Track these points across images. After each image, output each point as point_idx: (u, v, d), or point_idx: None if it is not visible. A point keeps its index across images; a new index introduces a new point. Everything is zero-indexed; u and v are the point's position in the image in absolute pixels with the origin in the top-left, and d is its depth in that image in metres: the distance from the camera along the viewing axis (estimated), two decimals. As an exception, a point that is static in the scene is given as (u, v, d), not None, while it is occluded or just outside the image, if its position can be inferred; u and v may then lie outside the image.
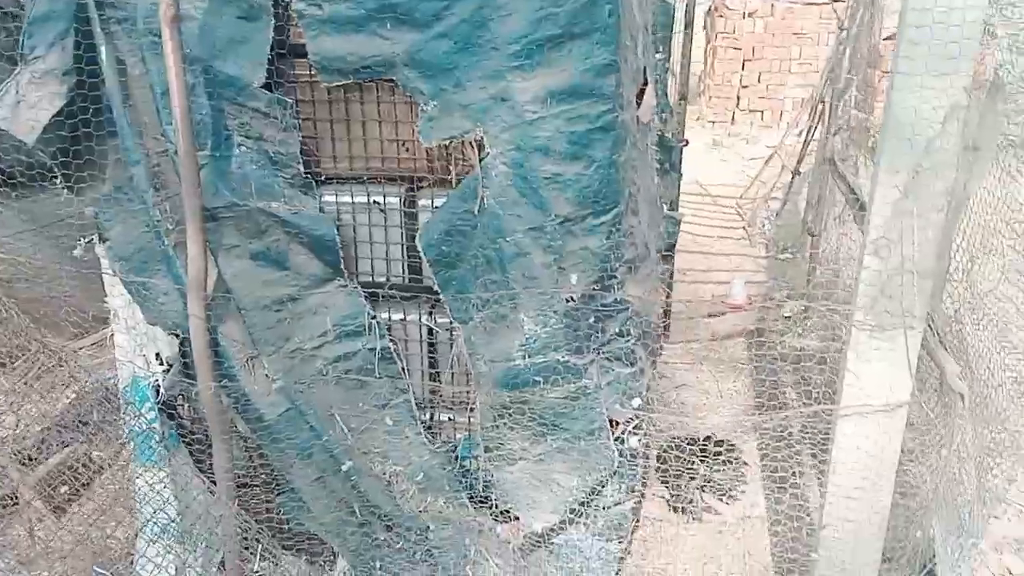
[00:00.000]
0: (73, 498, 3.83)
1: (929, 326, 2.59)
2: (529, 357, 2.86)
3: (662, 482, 3.99)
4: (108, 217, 2.98)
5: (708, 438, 4.13)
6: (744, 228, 7.84)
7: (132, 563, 3.31)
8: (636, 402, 2.87)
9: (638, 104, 2.95)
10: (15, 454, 3.78)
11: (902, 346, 2.55)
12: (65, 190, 2.89)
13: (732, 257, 7.08)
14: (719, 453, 4.05)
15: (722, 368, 5.28)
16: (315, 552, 3.38)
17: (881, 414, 2.65)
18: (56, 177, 2.86)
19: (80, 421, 4.28)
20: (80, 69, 2.72)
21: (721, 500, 3.92)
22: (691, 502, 3.86)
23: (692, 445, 4.06)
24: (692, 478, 3.94)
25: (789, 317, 4.20)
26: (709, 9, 11.97)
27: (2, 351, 3.73)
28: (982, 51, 2.38)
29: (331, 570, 3.37)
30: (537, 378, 2.86)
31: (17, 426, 4.21)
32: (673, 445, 4.03)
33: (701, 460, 3.97)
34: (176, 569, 3.20)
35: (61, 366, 3.39)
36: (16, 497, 3.74)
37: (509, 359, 2.87)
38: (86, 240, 3.06)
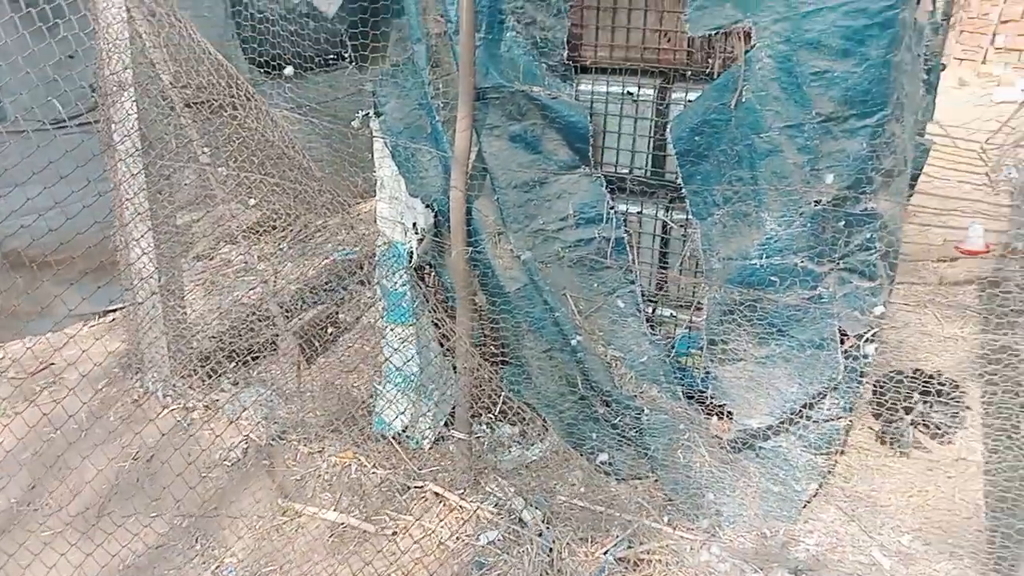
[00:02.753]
0: (322, 351, 4.35)
1: None
2: (767, 257, 2.87)
3: (874, 413, 3.88)
4: (384, 93, 3.30)
5: (932, 376, 3.94)
6: (987, 174, 7.16)
7: (372, 407, 3.75)
8: (879, 310, 2.80)
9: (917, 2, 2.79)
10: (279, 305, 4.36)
11: None
12: (352, 66, 3.24)
13: (970, 203, 6.50)
14: (941, 392, 3.86)
15: (949, 314, 4.96)
16: (526, 422, 3.65)
17: None
18: (347, 55, 3.20)
19: (327, 288, 4.82)
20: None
21: (934, 439, 3.76)
22: (901, 436, 3.73)
23: (913, 380, 3.89)
24: (907, 412, 3.79)
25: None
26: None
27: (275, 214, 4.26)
28: None
29: (540, 441, 3.63)
30: (773, 279, 2.88)
31: (276, 282, 4.83)
32: (891, 376, 3.89)
33: (921, 396, 3.81)
34: (410, 416, 3.59)
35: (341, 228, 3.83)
36: (276, 342, 4.32)
37: (745, 257, 2.90)
38: (363, 113, 3.41)
